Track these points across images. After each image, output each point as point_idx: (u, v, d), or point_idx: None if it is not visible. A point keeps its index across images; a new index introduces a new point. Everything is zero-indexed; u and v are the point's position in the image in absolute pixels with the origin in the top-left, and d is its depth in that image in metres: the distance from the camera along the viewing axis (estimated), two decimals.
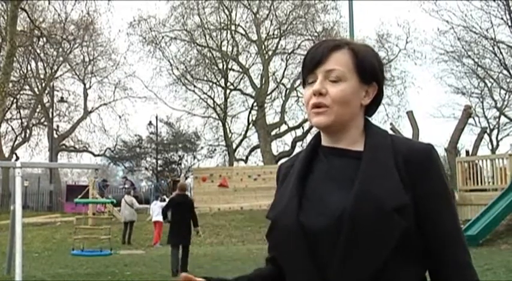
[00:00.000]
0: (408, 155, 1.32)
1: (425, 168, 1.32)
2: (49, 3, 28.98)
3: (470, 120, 26.19)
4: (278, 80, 31.37)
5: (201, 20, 30.06)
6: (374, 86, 1.41)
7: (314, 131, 1.52)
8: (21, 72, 31.39)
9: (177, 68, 31.13)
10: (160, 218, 15.64)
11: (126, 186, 22.95)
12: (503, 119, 33.36)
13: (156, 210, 16.08)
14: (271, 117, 31.81)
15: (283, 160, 1.62)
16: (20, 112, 33.43)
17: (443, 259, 1.30)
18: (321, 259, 1.28)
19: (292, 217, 1.33)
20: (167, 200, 14.00)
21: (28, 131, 33.76)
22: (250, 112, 31.30)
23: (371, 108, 1.43)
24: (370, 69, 1.39)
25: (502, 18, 27.13)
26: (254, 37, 30.87)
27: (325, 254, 1.28)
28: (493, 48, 28.56)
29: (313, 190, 1.36)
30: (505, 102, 31.88)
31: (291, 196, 1.37)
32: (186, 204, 10.48)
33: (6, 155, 31.57)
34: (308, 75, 1.40)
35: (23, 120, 33.55)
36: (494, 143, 34.38)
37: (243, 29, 31.19)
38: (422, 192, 1.30)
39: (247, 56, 31.99)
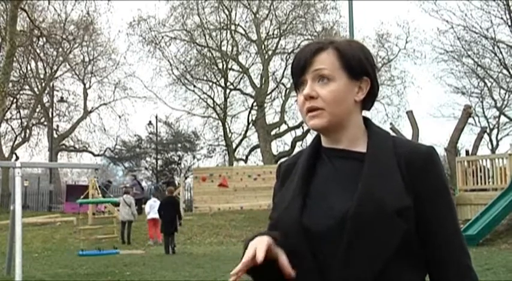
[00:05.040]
0: (410, 157, 1.32)
1: (427, 170, 1.32)
2: (49, 3, 28.96)
3: (470, 120, 26.17)
4: (278, 80, 31.31)
5: (200, 20, 30.02)
6: (366, 80, 1.39)
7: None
8: (21, 72, 31.36)
9: (177, 68, 31.09)
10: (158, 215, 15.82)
11: (127, 185, 22.78)
12: (503, 119, 33.43)
13: (155, 207, 16.12)
14: (271, 117, 31.79)
15: (283, 160, 1.61)
16: (19, 112, 33.41)
17: (444, 262, 1.30)
18: (323, 260, 1.28)
19: (294, 217, 1.33)
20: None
21: (28, 131, 33.72)
22: (250, 112, 31.26)
23: (367, 102, 1.42)
24: (357, 65, 1.38)
25: (501, 18, 27.13)
26: (254, 37, 30.84)
27: (327, 255, 1.28)
28: (493, 48, 28.54)
29: (316, 191, 1.36)
30: (505, 102, 31.92)
31: (294, 196, 1.37)
32: (172, 204, 14.31)
33: (6, 155, 31.55)
34: (297, 80, 1.40)
35: (23, 120, 33.51)
36: (494, 142, 34.44)
37: (242, 28, 31.15)
38: (423, 194, 1.30)
39: (247, 56, 31.96)
